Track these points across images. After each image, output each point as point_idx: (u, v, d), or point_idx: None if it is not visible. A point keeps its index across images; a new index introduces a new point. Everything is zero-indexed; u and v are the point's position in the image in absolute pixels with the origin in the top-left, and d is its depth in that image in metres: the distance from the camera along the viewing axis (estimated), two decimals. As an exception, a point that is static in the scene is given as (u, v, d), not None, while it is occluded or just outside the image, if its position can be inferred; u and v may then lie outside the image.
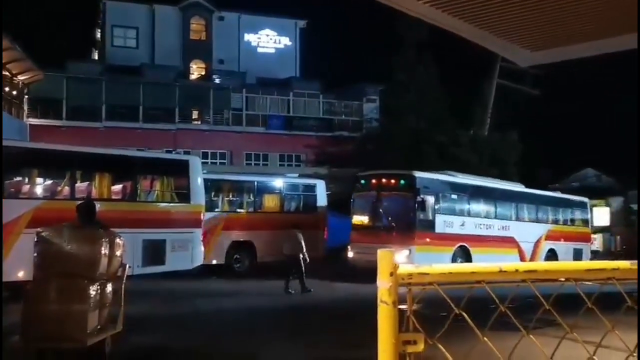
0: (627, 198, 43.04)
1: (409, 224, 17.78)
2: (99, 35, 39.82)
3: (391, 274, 1.38)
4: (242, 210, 20.21)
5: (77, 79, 31.67)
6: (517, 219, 22.41)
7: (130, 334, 8.82)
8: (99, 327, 6.12)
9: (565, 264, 1.53)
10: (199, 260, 16.11)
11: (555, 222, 24.78)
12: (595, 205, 47.22)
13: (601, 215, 46.93)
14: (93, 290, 6.11)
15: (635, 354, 1.55)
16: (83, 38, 41.98)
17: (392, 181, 18.63)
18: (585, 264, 1.55)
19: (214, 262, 18.50)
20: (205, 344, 8.52)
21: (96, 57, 40.38)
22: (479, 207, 21.08)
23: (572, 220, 26.16)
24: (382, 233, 17.72)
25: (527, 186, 24.93)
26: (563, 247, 24.16)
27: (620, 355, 1.67)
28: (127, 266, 6.65)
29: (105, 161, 15.19)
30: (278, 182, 21.82)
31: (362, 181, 19.44)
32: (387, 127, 33.33)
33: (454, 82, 30.83)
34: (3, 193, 12.15)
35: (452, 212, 19.60)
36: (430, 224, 18.33)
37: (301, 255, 14.83)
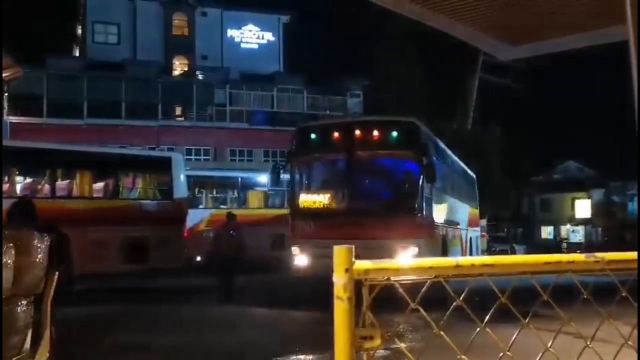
0: (608, 190, 43.51)
1: (411, 204, 11.49)
2: (79, 31, 39.41)
3: (346, 270, 1.39)
4: (225, 207, 20.16)
5: (58, 75, 31.35)
6: (460, 196, 17.74)
7: (110, 333, 8.78)
8: None
9: (522, 257, 1.55)
10: (183, 258, 16.04)
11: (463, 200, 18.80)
12: (577, 198, 47.89)
13: (583, 207, 47.58)
14: None
15: (592, 345, 1.58)
16: (63, 34, 41.50)
17: (376, 133, 11.69)
18: (543, 257, 1.56)
19: (198, 258, 18.45)
20: (184, 343, 8.50)
21: (77, 54, 39.97)
22: (453, 180, 16.27)
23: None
24: (362, 220, 11.22)
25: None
26: (472, 235, 19.47)
27: (579, 343, 1.70)
28: (56, 275, 4.75)
29: (86, 159, 15.06)
30: (262, 178, 21.79)
31: (314, 135, 12.35)
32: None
33: (437, 76, 30.95)
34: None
35: (444, 188, 14.17)
36: (431, 204, 12.24)
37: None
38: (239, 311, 11.54)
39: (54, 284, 4.95)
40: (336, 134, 12.12)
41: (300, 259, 11.85)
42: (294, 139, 12.74)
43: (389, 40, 31.96)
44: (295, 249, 11.98)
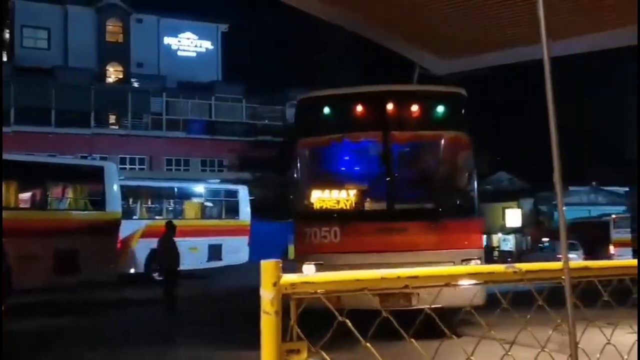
0: (537, 200, 45.36)
1: (470, 203, 8.88)
2: (7, 35, 37.82)
3: (274, 284, 1.39)
4: (160, 217, 19.75)
5: (-17, 80, 29.94)
6: None
7: (39, 351, 8.41)
8: None
9: (445, 269, 1.59)
10: (116, 270, 15.59)
11: None
12: (507, 207, 49.69)
13: (513, 217, 49.41)
14: None
15: (510, 353, 1.64)
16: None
17: (418, 107, 8.99)
18: (464, 268, 1.62)
19: (132, 271, 17.98)
20: (120, 355, 8.26)
21: (4, 59, 38.31)
22: None
23: None
24: (409, 226, 8.43)
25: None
26: None
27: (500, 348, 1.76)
28: None
29: (11, 167, 14.39)
30: (199, 188, 21.49)
31: (327, 109, 9.21)
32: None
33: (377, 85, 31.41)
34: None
35: None
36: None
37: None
38: (177, 323, 11.31)
39: None
40: (361, 108, 8.98)
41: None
42: (297, 114, 9.61)
43: (329, 50, 32.30)
44: (308, 269, 7.97)
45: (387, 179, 8.76)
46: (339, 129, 9.06)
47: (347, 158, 9.61)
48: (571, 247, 15.37)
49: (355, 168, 9.65)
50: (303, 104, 9.47)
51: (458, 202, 8.86)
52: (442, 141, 9.13)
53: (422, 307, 1.71)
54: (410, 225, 8.41)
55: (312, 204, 8.79)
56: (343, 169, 9.63)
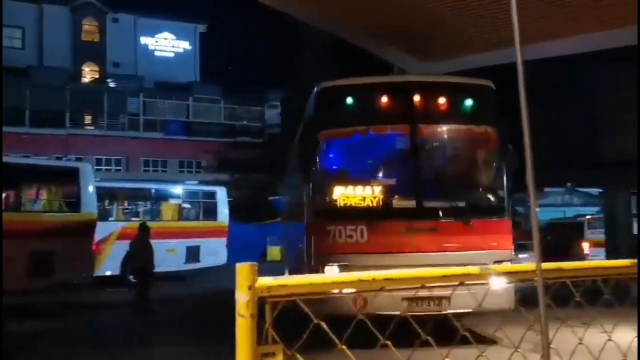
0: (513, 201, 45.91)
1: (501, 201, 8.53)
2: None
3: (249, 287, 1.38)
4: (137, 219, 19.55)
5: (-46, 79, 29.35)
6: None
7: (21, 351, 8.26)
8: None
9: (421, 271, 1.60)
10: (91, 272, 15.40)
11: None
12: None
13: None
14: None
15: (485, 355, 1.65)
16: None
17: (446, 99, 8.64)
18: (440, 270, 1.62)
19: (108, 273, 17.76)
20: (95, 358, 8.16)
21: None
22: None
23: None
24: (440, 225, 8.16)
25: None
26: None
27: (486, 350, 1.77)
28: None
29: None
30: (176, 190, 21.32)
31: (351, 99, 8.68)
32: (289, 131, 33.40)
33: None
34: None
35: None
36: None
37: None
38: (152, 325, 11.20)
39: None
40: (387, 99, 8.54)
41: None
42: (317, 104, 8.79)
43: (307, 51, 32.26)
44: (331, 271, 7.53)
45: (416, 174, 8.46)
46: (363, 120, 8.60)
47: (372, 152, 8.99)
48: (525, 248, 15.18)
49: (381, 163, 8.96)
50: (324, 93, 8.74)
51: (491, 200, 8.48)
52: (473, 135, 8.80)
53: (453, 311, 1.71)
54: (441, 224, 8.04)
55: (334, 201, 8.22)
56: (368, 163, 9.01)
